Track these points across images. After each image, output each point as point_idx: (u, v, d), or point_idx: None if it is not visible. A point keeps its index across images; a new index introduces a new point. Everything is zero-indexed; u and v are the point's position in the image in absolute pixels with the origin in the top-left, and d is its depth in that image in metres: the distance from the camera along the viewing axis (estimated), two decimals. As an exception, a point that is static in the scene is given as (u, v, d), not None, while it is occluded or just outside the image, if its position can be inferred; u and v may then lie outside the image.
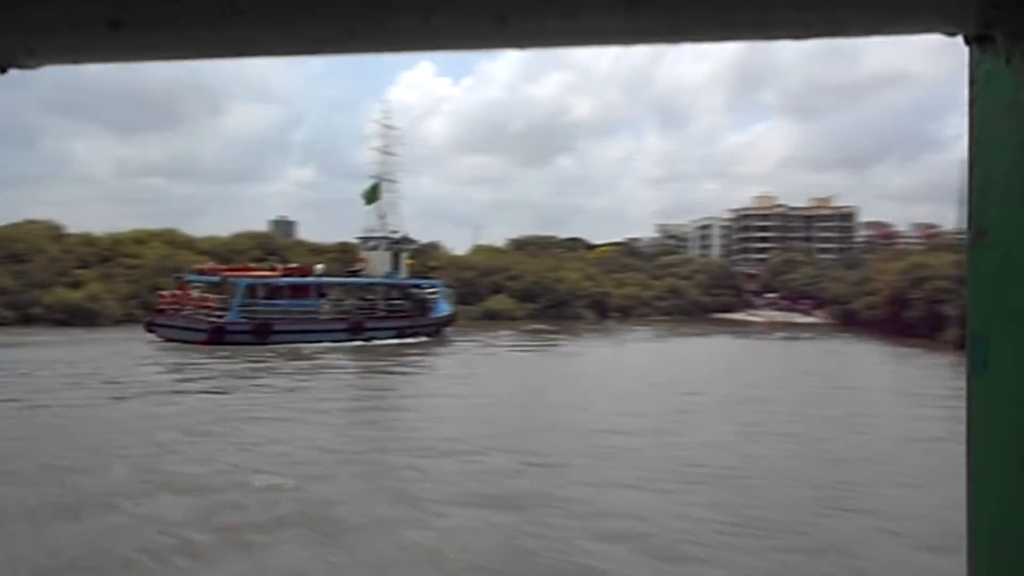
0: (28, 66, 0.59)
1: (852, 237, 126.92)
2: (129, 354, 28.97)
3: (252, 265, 39.74)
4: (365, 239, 42.86)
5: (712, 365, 32.55)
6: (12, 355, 28.04)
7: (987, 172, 0.58)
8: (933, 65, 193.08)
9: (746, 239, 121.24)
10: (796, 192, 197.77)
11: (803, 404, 22.04)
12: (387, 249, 41.29)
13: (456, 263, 59.93)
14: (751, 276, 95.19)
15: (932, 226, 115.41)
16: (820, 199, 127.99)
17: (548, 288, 60.74)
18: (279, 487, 11.77)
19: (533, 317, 56.09)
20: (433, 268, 46.61)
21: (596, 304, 63.49)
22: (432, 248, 63.59)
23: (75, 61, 0.59)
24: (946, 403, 21.63)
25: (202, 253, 52.94)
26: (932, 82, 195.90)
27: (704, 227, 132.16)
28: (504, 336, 42.19)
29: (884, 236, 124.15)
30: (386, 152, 45.61)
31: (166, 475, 12.31)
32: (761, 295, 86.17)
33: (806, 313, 74.40)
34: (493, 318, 53.73)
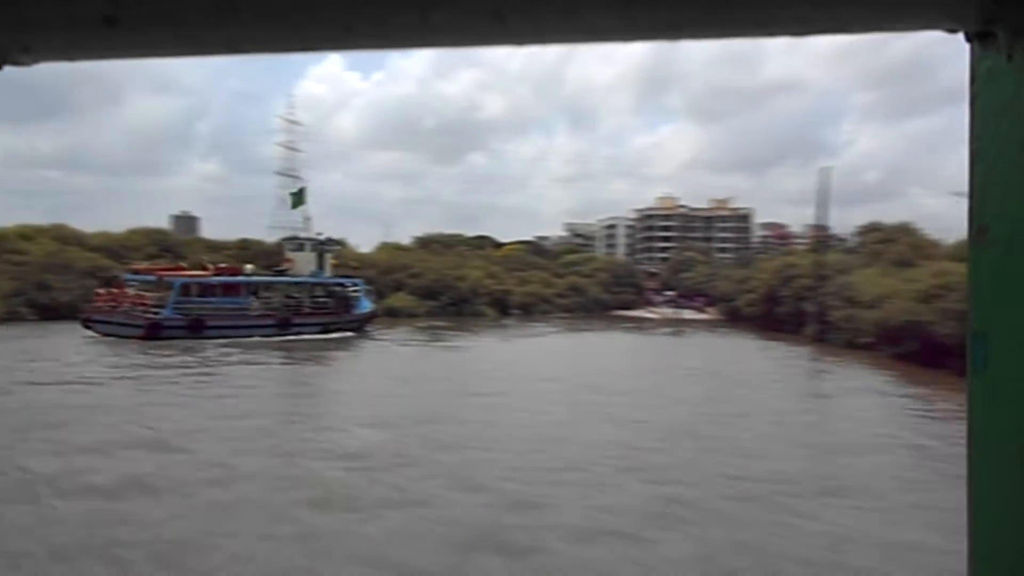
0: (24, 63, 0.59)
1: (749, 237, 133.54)
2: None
3: (182, 265, 42.06)
4: (291, 239, 45.33)
5: (586, 356, 34.96)
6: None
7: (988, 170, 0.57)
8: (826, 73, 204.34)
9: (649, 238, 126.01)
10: (701, 192, 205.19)
11: (644, 382, 25.18)
12: (312, 250, 44.11)
13: (359, 261, 60.60)
14: (652, 274, 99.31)
15: (823, 228, 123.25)
16: (719, 201, 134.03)
17: (449, 286, 62.24)
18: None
19: (433, 314, 57.52)
20: (354, 268, 49.06)
21: (497, 301, 65.38)
22: (336, 245, 63.90)
23: (71, 58, 0.59)
24: (758, 382, 24.91)
25: (94, 249, 51.90)
26: (825, 90, 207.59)
27: (610, 226, 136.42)
28: (406, 331, 44.02)
29: (779, 236, 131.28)
30: (291, 147, 46.22)
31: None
32: (660, 293, 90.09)
33: (699, 310, 78.51)
34: (394, 315, 54.81)
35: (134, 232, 60.14)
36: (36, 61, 0.59)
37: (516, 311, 66.04)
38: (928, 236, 70.18)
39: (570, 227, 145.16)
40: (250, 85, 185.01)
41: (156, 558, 8.97)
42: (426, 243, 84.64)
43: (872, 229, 73.90)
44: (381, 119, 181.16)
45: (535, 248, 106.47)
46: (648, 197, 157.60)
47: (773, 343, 43.44)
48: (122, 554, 9.05)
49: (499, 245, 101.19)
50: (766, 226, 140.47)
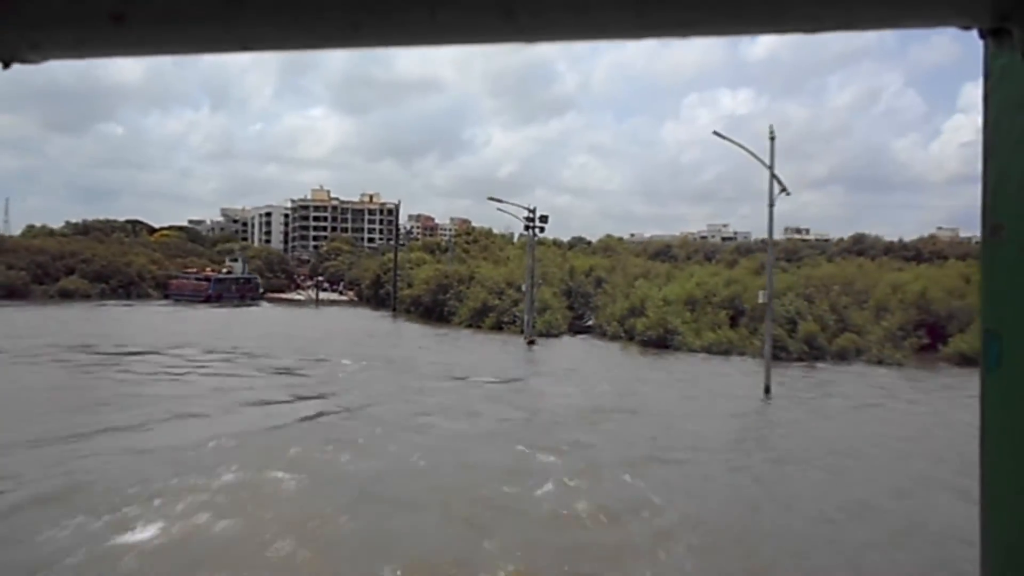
0: (31, 60, 0.63)
1: (397, 229, 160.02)
2: None
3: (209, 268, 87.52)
4: (232, 256, 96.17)
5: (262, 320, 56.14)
6: None
7: (1003, 168, 0.60)
8: (460, 75, 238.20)
9: (304, 228, 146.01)
10: (354, 177, 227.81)
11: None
12: (243, 261, 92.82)
13: (28, 249, 73.20)
14: (304, 261, 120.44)
15: (467, 221, 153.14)
16: (369, 195, 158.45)
17: (118, 270, 77.32)
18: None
19: (104, 295, 72.69)
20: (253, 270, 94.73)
21: (162, 284, 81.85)
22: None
23: (78, 55, 0.63)
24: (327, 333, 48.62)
25: None
26: (460, 91, 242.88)
27: (266, 214, 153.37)
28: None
29: (427, 228, 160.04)
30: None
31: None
32: (311, 277, 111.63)
33: (340, 292, 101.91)
34: (68, 296, 69.12)
35: None
36: (44, 59, 0.63)
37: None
38: (506, 235, 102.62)
39: (226, 212, 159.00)
40: None
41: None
42: (83, 230, 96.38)
43: (467, 231, 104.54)
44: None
45: (194, 234, 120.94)
46: (301, 180, 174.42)
47: (376, 312, 68.17)
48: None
49: (153, 231, 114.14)
50: (415, 217, 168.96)
